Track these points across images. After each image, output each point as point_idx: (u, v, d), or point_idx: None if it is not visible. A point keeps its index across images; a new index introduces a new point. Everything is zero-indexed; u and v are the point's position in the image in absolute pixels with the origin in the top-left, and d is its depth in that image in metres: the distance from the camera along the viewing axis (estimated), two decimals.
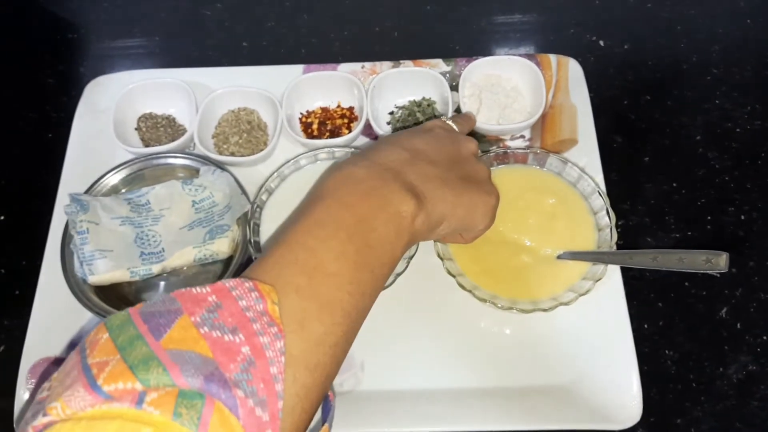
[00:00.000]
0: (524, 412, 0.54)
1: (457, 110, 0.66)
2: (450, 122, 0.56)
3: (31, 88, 0.76)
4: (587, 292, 0.53)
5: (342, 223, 0.41)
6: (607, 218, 0.56)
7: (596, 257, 0.55)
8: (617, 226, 0.56)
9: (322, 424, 0.41)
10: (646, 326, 0.59)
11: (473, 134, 0.66)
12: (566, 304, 0.53)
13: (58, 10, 0.81)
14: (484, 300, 0.54)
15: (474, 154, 0.53)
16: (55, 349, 0.58)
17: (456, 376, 0.56)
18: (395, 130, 0.67)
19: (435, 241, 0.56)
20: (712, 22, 0.76)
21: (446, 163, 0.49)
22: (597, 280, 0.53)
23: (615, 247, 0.55)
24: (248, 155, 0.65)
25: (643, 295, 0.60)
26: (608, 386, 0.55)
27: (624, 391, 0.54)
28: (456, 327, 0.58)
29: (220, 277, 0.60)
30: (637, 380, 0.55)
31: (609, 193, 0.59)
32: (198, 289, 0.35)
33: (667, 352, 0.58)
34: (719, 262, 0.49)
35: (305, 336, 0.36)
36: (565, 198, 0.59)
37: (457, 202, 0.47)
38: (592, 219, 0.58)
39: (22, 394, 0.56)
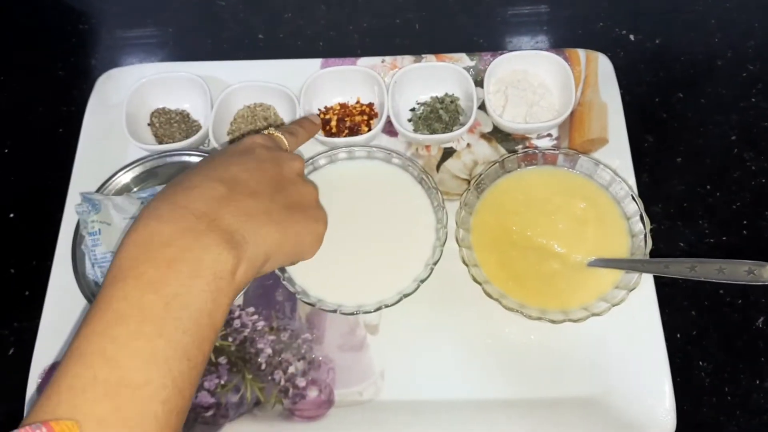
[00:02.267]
0: (551, 424, 0.52)
1: (482, 106, 0.64)
2: (279, 135, 0.51)
3: (41, 81, 0.74)
4: (621, 302, 0.51)
5: (147, 311, 0.35)
6: (640, 224, 0.54)
7: (630, 265, 0.52)
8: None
9: None
10: (678, 336, 0.57)
11: (498, 131, 0.64)
12: (598, 314, 0.51)
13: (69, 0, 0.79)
14: (511, 309, 0.51)
15: (299, 175, 0.48)
16: None
17: (480, 386, 0.54)
18: (416, 128, 0.64)
19: (460, 246, 0.54)
20: (747, 15, 0.72)
21: (269, 191, 0.44)
22: (631, 290, 0.51)
23: (649, 255, 0.53)
24: None
25: (676, 302, 0.58)
26: (640, 399, 0.53)
27: (657, 403, 0.52)
28: (480, 335, 0.56)
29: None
30: (670, 393, 0.52)
31: (640, 195, 0.56)
32: None
33: (700, 363, 0.56)
34: (763, 273, 0.46)
35: None
36: (597, 202, 0.56)
37: (282, 239, 0.43)
38: (625, 224, 0.55)
39: (33, 396, 0.55)
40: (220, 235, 0.38)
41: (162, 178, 0.61)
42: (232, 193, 0.41)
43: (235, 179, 0.43)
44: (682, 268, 0.49)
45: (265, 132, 0.51)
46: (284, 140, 0.51)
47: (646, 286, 0.55)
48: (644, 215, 0.53)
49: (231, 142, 0.64)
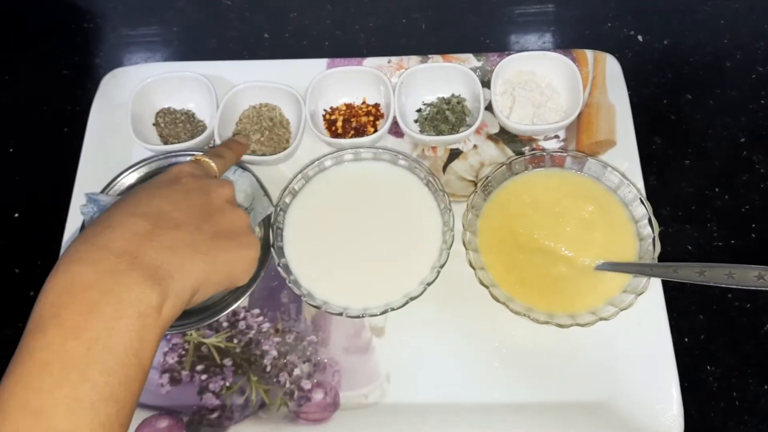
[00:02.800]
0: (558, 429, 0.52)
1: (489, 107, 0.63)
2: (207, 159, 0.50)
3: (45, 80, 0.73)
4: (629, 306, 0.50)
5: (70, 358, 0.34)
6: (649, 228, 0.53)
7: (638, 269, 0.52)
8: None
9: None
10: (686, 340, 0.57)
11: (505, 133, 0.63)
12: (606, 318, 0.50)
13: None
14: (519, 313, 0.51)
15: (228, 201, 0.47)
16: None
17: (486, 389, 0.54)
18: (423, 129, 0.64)
19: (466, 249, 0.54)
20: (757, 16, 0.72)
21: (196, 221, 0.43)
22: (639, 294, 0.51)
23: (657, 259, 0.52)
24: (270, 154, 0.62)
25: (683, 306, 0.57)
26: (647, 403, 0.52)
27: (664, 409, 0.52)
28: (487, 338, 0.55)
29: None
30: (678, 397, 0.52)
31: (647, 198, 0.56)
32: None
33: (708, 367, 0.56)
34: None
35: None
36: (604, 205, 0.55)
37: (211, 269, 0.42)
38: (633, 228, 0.55)
39: None
40: (143, 273, 0.38)
41: None
42: (156, 227, 0.41)
43: (159, 213, 0.42)
44: (691, 272, 0.48)
45: (192, 158, 0.50)
46: (212, 165, 0.50)
47: (653, 289, 0.55)
48: (653, 219, 0.53)
49: None
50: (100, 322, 0.35)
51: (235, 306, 0.55)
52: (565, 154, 0.57)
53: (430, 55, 0.66)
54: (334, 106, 0.66)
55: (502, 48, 0.71)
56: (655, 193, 0.60)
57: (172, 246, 0.40)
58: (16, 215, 0.65)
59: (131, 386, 0.36)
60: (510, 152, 0.63)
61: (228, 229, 0.45)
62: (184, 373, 0.56)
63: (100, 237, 0.39)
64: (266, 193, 0.58)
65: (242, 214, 0.47)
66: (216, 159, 0.51)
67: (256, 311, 0.57)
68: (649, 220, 0.53)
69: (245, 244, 0.46)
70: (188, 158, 0.50)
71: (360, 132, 0.64)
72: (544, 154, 0.57)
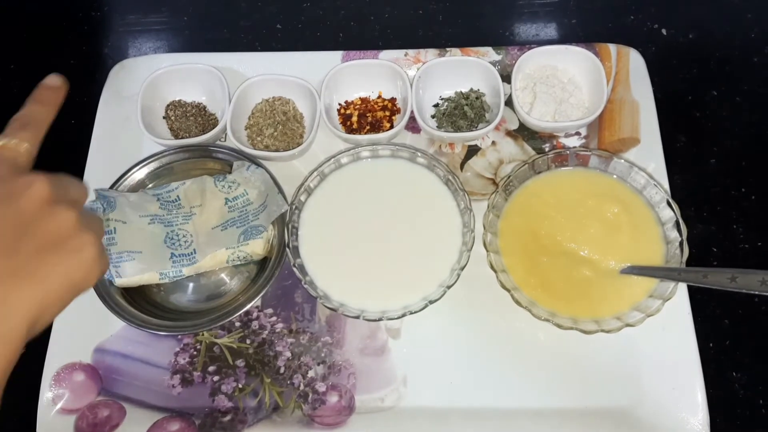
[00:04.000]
0: None
1: (508, 103, 0.61)
2: (7, 142, 0.39)
3: (52, 70, 0.71)
4: (656, 312, 0.49)
5: None
6: (676, 231, 0.52)
7: (665, 274, 0.50)
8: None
9: None
10: (711, 345, 0.55)
11: (525, 129, 0.61)
12: (632, 325, 0.49)
13: None
14: (542, 318, 0.49)
15: (45, 201, 0.37)
16: (80, 355, 0.55)
17: (507, 394, 0.53)
18: (440, 124, 0.62)
19: (487, 251, 0.52)
20: None
21: (9, 241, 0.35)
22: (666, 300, 0.49)
23: (685, 264, 0.51)
24: (283, 149, 0.60)
25: (708, 310, 0.56)
26: (672, 411, 0.51)
27: (689, 417, 0.51)
28: (507, 342, 0.54)
29: (254, 279, 0.56)
30: (703, 404, 0.51)
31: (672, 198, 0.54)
32: None
33: (734, 374, 0.54)
34: None
35: None
36: (630, 206, 0.54)
37: (47, 290, 0.35)
38: (659, 230, 0.53)
39: (47, 397, 0.54)
40: None
41: (178, 174, 0.59)
42: None
43: None
44: (721, 278, 0.47)
45: None
46: (18, 148, 0.40)
47: (678, 293, 0.53)
48: (681, 222, 0.51)
49: (249, 137, 0.62)
50: None
51: (248, 306, 0.54)
52: (590, 153, 0.55)
53: (448, 49, 0.64)
54: (349, 101, 0.64)
55: (522, 41, 0.69)
56: (679, 193, 0.58)
57: None
58: None
59: None
60: (530, 149, 0.61)
61: (52, 237, 0.36)
62: (196, 374, 0.54)
63: None
64: (280, 190, 0.57)
65: (64, 211, 0.37)
66: (22, 132, 0.40)
67: (269, 311, 0.56)
68: (677, 223, 0.52)
69: (77, 248, 0.37)
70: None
71: (376, 127, 0.62)
72: (568, 152, 0.56)
